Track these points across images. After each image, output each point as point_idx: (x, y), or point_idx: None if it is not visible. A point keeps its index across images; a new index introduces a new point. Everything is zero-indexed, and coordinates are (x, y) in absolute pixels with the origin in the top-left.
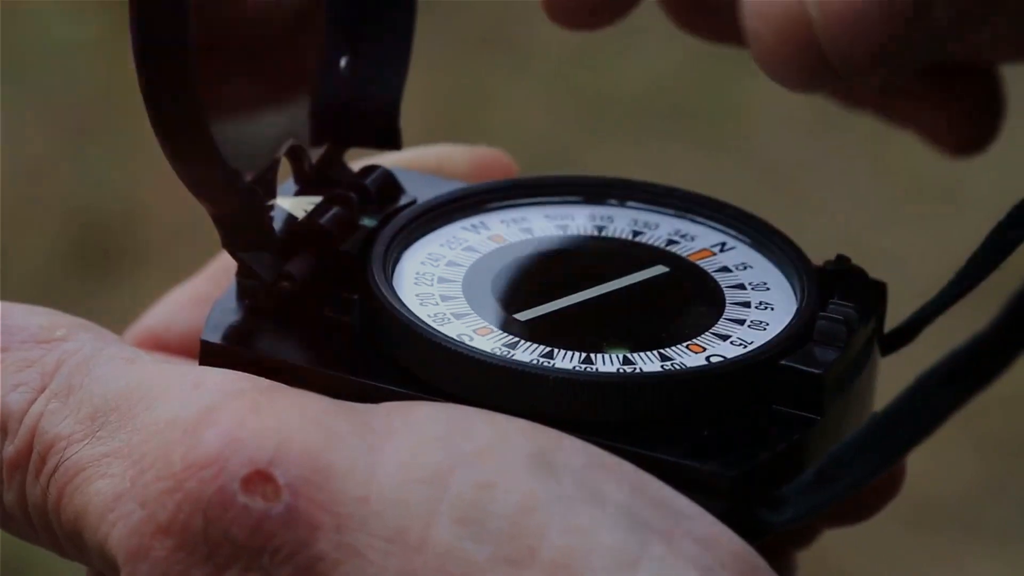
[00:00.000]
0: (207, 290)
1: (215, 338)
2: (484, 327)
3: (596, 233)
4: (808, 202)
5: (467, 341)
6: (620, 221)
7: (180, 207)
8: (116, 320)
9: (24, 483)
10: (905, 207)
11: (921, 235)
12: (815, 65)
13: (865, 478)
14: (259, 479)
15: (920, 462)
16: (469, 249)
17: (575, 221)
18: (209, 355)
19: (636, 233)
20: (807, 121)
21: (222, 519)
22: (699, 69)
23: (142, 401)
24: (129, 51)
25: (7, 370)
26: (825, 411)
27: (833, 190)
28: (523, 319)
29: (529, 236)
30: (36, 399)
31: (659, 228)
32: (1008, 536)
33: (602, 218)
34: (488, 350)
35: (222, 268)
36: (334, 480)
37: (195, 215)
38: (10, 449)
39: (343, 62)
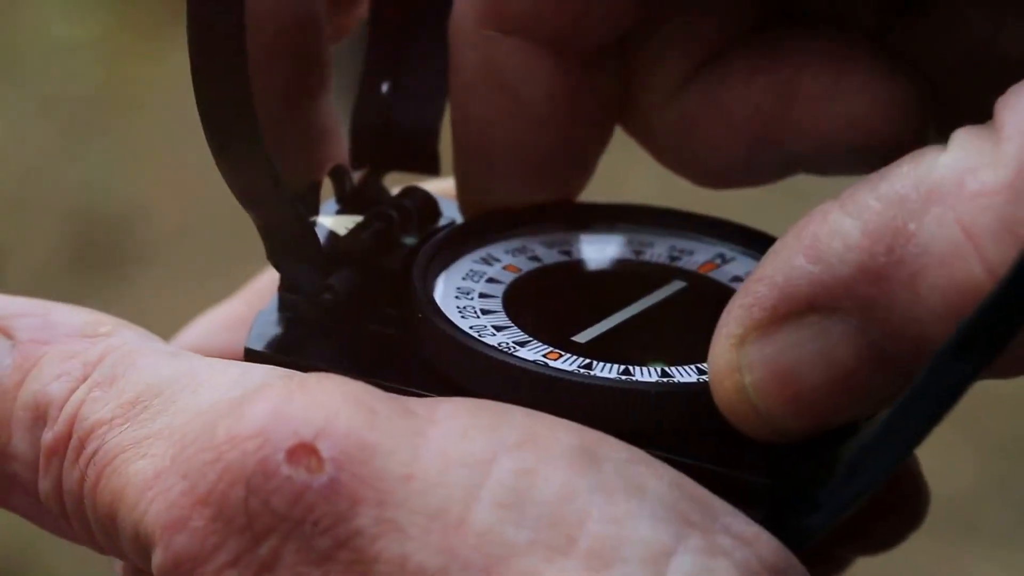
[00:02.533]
0: (242, 313)
1: (259, 346)
2: (524, 339)
3: (626, 256)
4: (809, 202)
5: (513, 351)
6: (660, 246)
7: (180, 207)
8: None
9: (61, 470)
10: None
11: None
12: (771, 434)
13: (892, 464)
14: (303, 451)
15: (920, 462)
16: (510, 268)
17: (592, 247)
18: (253, 363)
19: (674, 258)
20: None
21: (264, 489)
22: None
23: (187, 387)
24: (129, 48)
25: (51, 361)
26: (861, 423)
27: (835, 190)
28: (563, 336)
29: (567, 258)
30: (78, 388)
31: (655, 247)
32: (1008, 537)
33: (638, 243)
34: (531, 358)
35: (256, 291)
36: (378, 458)
37: (195, 215)
38: (49, 436)
39: (384, 87)
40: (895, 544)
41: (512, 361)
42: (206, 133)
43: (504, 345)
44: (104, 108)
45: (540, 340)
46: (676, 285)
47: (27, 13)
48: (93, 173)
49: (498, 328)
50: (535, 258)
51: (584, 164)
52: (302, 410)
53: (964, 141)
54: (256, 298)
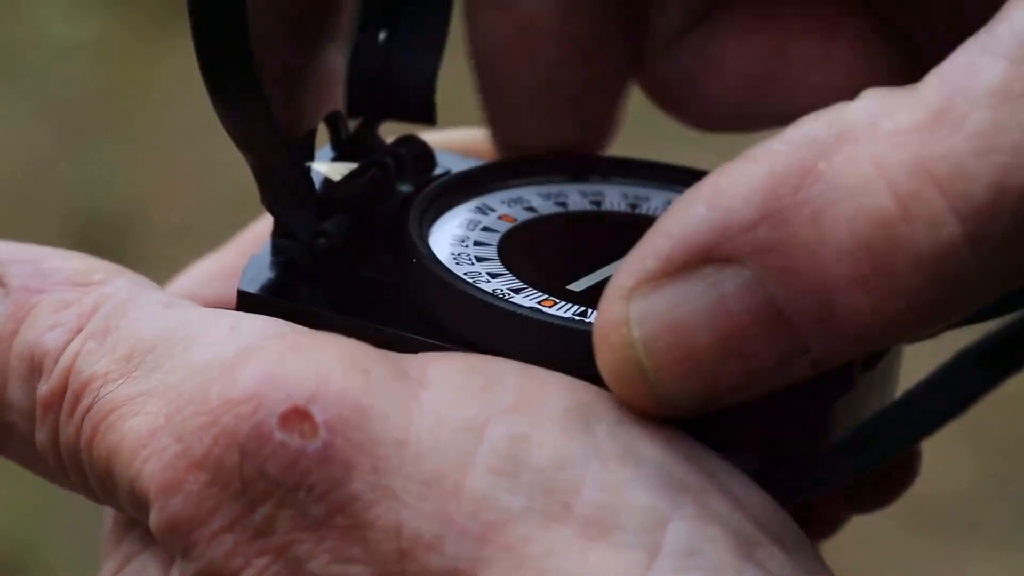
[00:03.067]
0: (234, 262)
1: (252, 288)
2: (519, 287)
3: (621, 208)
4: None
5: (508, 296)
6: (656, 199)
7: (180, 207)
8: None
9: (57, 422)
10: None
11: None
12: (657, 403)
13: (894, 450)
14: (297, 416)
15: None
16: (505, 218)
17: (574, 197)
18: (246, 306)
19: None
20: None
21: (258, 454)
22: None
23: (180, 343)
24: (129, 48)
25: (44, 311)
26: (856, 382)
27: None
28: (558, 284)
29: (563, 209)
30: (72, 339)
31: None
32: (1007, 536)
33: (634, 196)
34: (522, 303)
35: (248, 241)
36: (372, 422)
37: (195, 215)
38: (44, 388)
39: (381, 35)
40: (888, 503)
41: (507, 307)
42: (202, 74)
43: (499, 292)
44: (104, 108)
45: (535, 288)
46: None
47: (27, 13)
48: (93, 173)
49: (493, 275)
50: (531, 208)
51: (608, 104)
52: (295, 373)
53: (876, 92)
54: (248, 247)
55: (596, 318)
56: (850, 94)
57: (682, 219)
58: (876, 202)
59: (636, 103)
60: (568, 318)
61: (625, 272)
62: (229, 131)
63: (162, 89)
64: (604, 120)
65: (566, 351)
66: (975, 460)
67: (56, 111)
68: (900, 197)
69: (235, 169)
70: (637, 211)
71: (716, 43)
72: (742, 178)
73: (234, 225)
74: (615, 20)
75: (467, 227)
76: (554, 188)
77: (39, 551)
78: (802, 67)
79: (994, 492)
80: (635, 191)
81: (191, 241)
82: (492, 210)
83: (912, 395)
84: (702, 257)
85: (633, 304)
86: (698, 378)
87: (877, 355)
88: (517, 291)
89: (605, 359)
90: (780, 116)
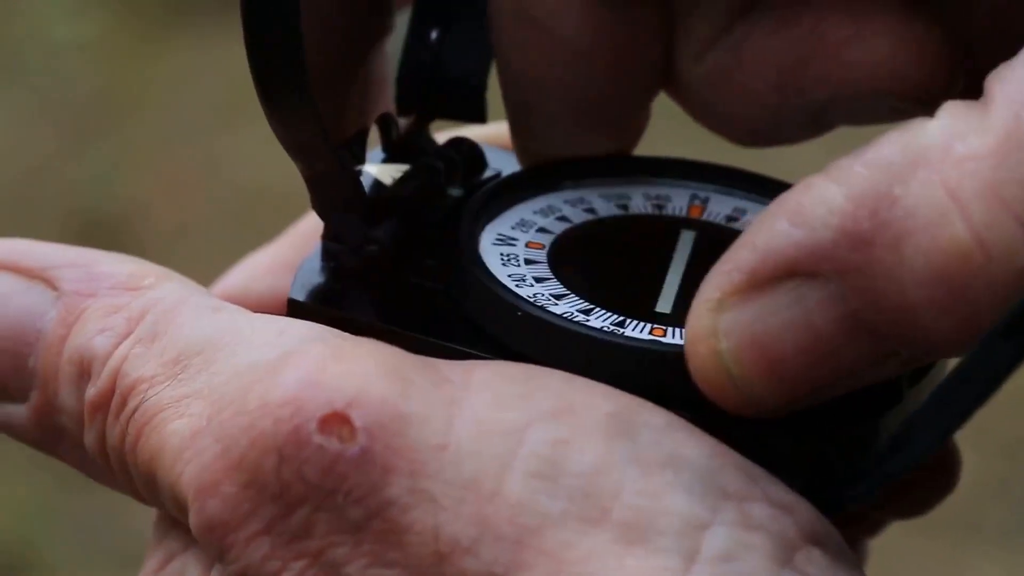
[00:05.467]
0: (287, 256)
1: (301, 296)
2: (562, 293)
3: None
4: None
5: (547, 306)
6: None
7: (180, 207)
8: None
9: (104, 424)
10: None
11: None
12: (746, 406)
13: (938, 440)
14: (336, 421)
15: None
16: (563, 219)
17: (632, 200)
18: (296, 314)
19: (730, 218)
20: None
21: (296, 458)
22: None
23: (226, 347)
24: (129, 48)
25: (94, 315)
26: (904, 394)
27: None
28: (599, 294)
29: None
30: (121, 343)
31: (712, 205)
32: (1008, 536)
33: (658, 196)
34: (563, 314)
35: (301, 234)
36: (411, 428)
37: (195, 215)
38: (92, 391)
39: (433, 34)
40: (930, 508)
41: (549, 319)
42: (255, 81)
43: (539, 296)
44: (104, 108)
45: (577, 295)
46: (688, 236)
47: (27, 13)
48: (93, 173)
49: (538, 279)
50: (591, 210)
51: (637, 114)
52: (335, 378)
53: (952, 110)
54: (300, 241)
55: (686, 328)
56: (887, 69)
57: (766, 234)
58: (951, 232)
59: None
60: (605, 331)
61: (711, 284)
62: (279, 137)
63: (162, 89)
64: (633, 128)
65: (606, 364)
66: (975, 460)
67: (56, 111)
68: (974, 226)
69: (235, 169)
70: (666, 211)
71: (747, 41)
72: (822, 197)
73: (234, 225)
74: (645, 33)
75: (521, 230)
76: (616, 190)
77: (39, 551)
78: (835, 46)
79: (995, 492)
80: (702, 193)
81: (191, 241)
82: (547, 214)
83: (946, 382)
84: (786, 271)
85: (720, 316)
86: (787, 383)
87: (924, 369)
88: (559, 297)
89: (696, 367)
90: (818, 111)
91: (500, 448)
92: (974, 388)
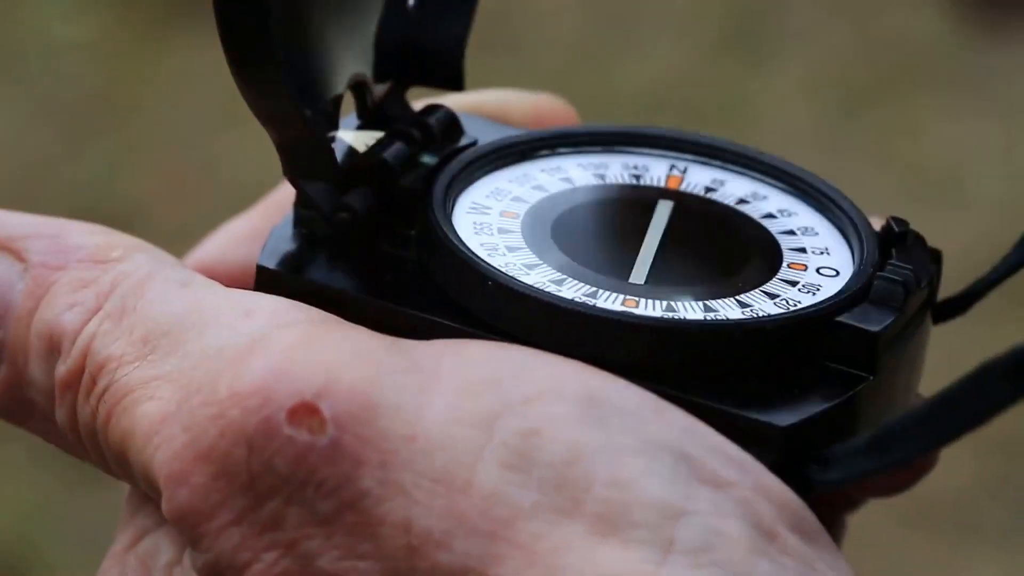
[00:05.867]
0: (260, 225)
1: (271, 264)
2: (535, 263)
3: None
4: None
5: (519, 276)
6: (698, 174)
7: (180, 207)
8: None
9: (75, 402)
10: (909, 205)
11: (926, 231)
12: None
13: (915, 454)
14: (305, 411)
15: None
16: (538, 188)
17: (610, 169)
18: (264, 281)
19: (709, 189)
20: (812, 120)
21: (265, 449)
22: (703, 68)
23: (194, 327)
24: (129, 48)
25: (63, 289)
26: (878, 370)
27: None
28: (572, 259)
29: (570, 185)
30: (90, 320)
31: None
32: (1007, 536)
33: (636, 167)
34: (535, 284)
35: (275, 203)
36: (381, 417)
37: (195, 215)
38: (62, 368)
39: (411, 1)
40: (907, 488)
41: (518, 288)
42: (224, 47)
43: (511, 265)
44: (104, 108)
45: (550, 266)
46: (666, 206)
47: (27, 13)
48: (93, 173)
49: (510, 249)
50: (539, 187)
51: None
52: (304, 367)
53: None
54: (275, 209)
55: None
56: None
57: None
58: None
59: (635, 105)
60: (575, 301)
61: None
62: (249, 104)
63: (162, 89)
64: None
65: (575, 334)
66: (974, 460)
67: (56, 111)
68: None
69: (235, 169)
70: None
71: None
72: None
73: None
74: None
75: (495, 198)
76: (594, 159)
77: (39, 551)
78: None
79: (993, 492)
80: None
81: (191, 241)
82: (523, 182)
83: (935, 402)
84: None
85: None
86: None
87: (952, 311)
88: (531, 267)
89: None
90: None
91: (471, 439)
92: (961, 418)
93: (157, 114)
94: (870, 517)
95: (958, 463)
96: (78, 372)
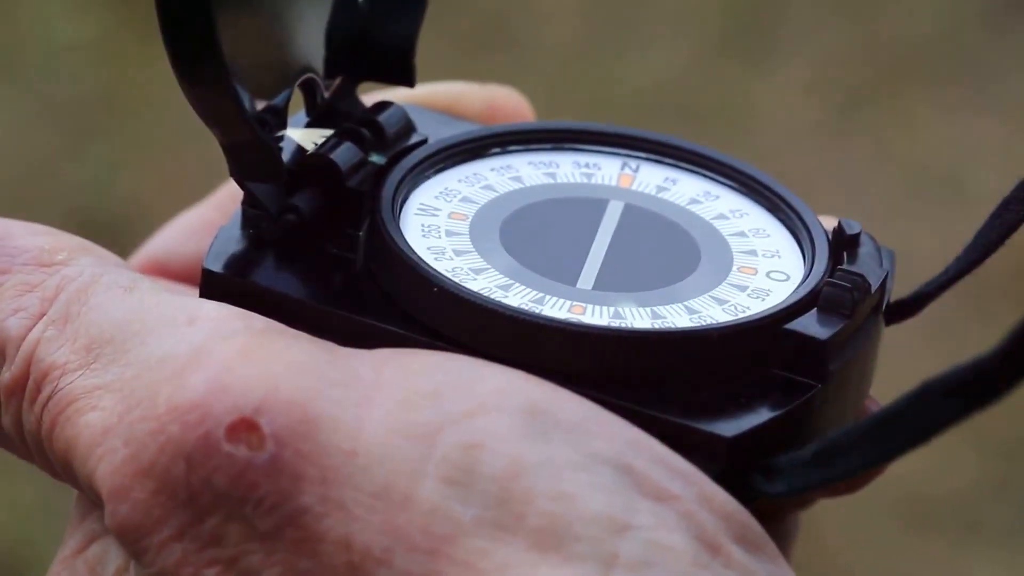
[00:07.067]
0: (212, 217)
1: (217, 267)
2: (483, 267)
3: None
4: (814, 199)
5: (465, 281)
6: (651, 173)
7: (180, 207)
8: None
9: (20, 409)
10: (910, 203)
11: (926, 231)
12: None
13: (859, 469)
14: (244, 427)
15: (920, 461)
16: (488, 188)
17: (561, 168)
18: (210, 284)
19: (661, 188)
20: (812, 120)
21: (205, 466)
22: (703, 69)
23: (137, 335)
24: (129, 48)
25: (8, 293)
26: (826, 379)
27: (838, 187)
28: (520, 263)
29: (520, 185)
30: (34, 326)
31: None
32: (1008, 536)
33: (588, 165)
34: (481, 290)
35: (228, 195)
36: (320, 432)
37: None
38: (6, 375)
39: None
40: (859, 488)
41: (464, 295)
42: (166, 47)
43: (457, 269)
44: (104, 108)
45: (497, 270)
46: (617, 207)
47: (27, 13)
48: (93, 173)
49: (457, 252)
50: (489, 187)
51: None
52: (243, 381)
53: None
54: (229, 201)
55: None
56: None
57: None
58: None
59: (635, 106)
60: (522, 310)
61: None
62: (193, 105)
63: (162, 89)
64: None
65: (521, 342)
66: (976, 460)
67: (56, 111)
68: None
69: None
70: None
71: None
72: None
73: None
74: None
75: (444, 199)
76: (545, 157)
77: (39, 551)
78: None
79: (995, 492)
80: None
81: None
82: (472, 182)
83: (879, 418)
84: None
85: None
86: None
87: (904, 313)
88: (479, 272)
89: None
90: None
91: (411, 454)
92: (905, 434)
93: (157, 114)
94: (871, 517)
95: (961, 464)
96: (22, 379)
